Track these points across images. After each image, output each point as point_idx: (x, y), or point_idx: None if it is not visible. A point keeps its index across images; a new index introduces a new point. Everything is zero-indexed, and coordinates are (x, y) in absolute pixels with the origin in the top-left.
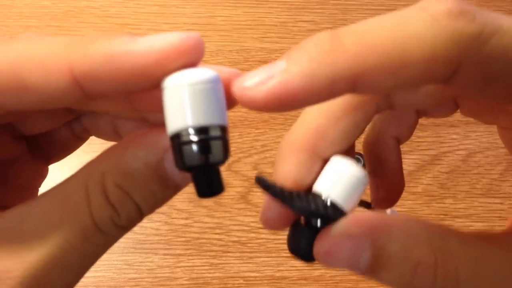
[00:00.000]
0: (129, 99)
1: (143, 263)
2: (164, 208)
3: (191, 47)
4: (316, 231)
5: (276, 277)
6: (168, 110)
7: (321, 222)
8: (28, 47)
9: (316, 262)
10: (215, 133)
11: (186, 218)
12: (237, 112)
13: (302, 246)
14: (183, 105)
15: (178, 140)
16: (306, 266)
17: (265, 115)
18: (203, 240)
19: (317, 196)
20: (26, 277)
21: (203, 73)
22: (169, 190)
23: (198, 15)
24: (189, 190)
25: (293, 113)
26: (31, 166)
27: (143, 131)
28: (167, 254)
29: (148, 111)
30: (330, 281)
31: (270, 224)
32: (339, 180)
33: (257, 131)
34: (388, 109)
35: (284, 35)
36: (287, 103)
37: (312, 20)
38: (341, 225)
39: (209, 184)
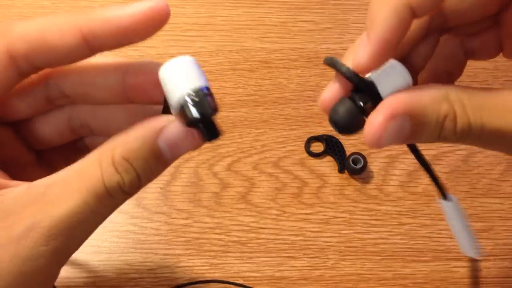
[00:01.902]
0: (126, 93)
1: (143, 263)
2: (164, 208)
3: (160, 9)
4: (355, 105)
5: (276, 277)
6: (169, 88)
7: (360, 98)
8: (49, 18)
9: (344, 134)
10: (207, 91)
11: (186, 218)
12: (237, 112)
13: (341, 113)
14: (178, 79)
15: (185, 103)
16: (306, 266)
17: (265, 115)
18: (203, 240)
19: (366, 78)
20: (53, 227)
21: (183, 57)
22: (161, 164)
23: (198, 15)
24: (189, 190)
25: (293, 113)
26: (37, 172)
27: (142, 121)
28: (167, 254)
29: (141, 102)
30: (330, 281)
31: (325, 103)
32: (388, 73)
33: (257, 131)
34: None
35: (284, 35)
36: None
37: (312, 20)
38: (385, 106)
39: (214, 129)
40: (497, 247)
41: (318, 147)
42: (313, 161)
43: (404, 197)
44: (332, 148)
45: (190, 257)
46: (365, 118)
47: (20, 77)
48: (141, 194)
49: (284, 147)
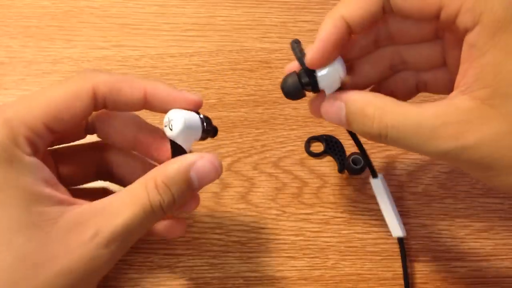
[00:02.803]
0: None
1: (143, 263)
2: None
3: (199, 101)
4: (299, 80)
5: (276, 277)
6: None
7: (303, 76)
8: (125, 76)
9: (289, 99)
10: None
11: (186, 218)
12: (237, 112)
13: (287, 83)
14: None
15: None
16: (306, 266)
17: (265, 115)
18: (203, 240)
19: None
20: (112, 234)
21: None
22: (190, 190)
23: (198, 15)
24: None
25: (293, 113)
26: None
27: (181, 156)
28: (167, 254)
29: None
30: (330, 281)
31: (286, 72)
32: (328, 70)
33: (257, 131)
34: (385, 39)
35: (284, 35)
36: None
37: (312, 20)
38: (332, 95)
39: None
40: (497, 247)
41: (318, 147)
42: (313, 161)
43: (404, 197)
44: (332, 148)
45: (190, 257)
46: (304, 91)
47: (91, 112)
48: None
49: (284, 147)
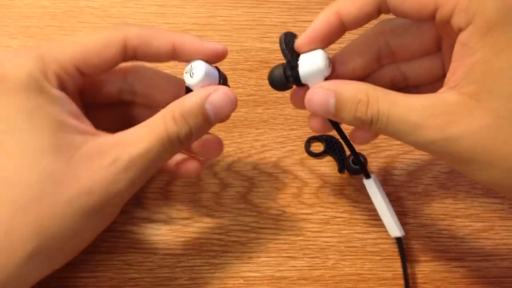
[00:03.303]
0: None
1: (143, 263)
2: (164, 208)
3: (224, 51)
4: (284, 72)
5: (276, 277)
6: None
7: (288, 69)
8: (155, 28)
9: (275, 90)
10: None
11: (186, 218)
12: (237, 112)
13: (273, 74)
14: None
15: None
16: (306, 266)
17: (265, 115)
18: (203, 240)
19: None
20: (130, 161)
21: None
22: (207, 123)
23: (198, 15)
24: (189, 190)
25: (293, 113)
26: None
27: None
28: (167, 254)
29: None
30: (330, 281)
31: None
32: (310, 54)
33: (257, 131)
34: (388, 55)
35: None
36: None
37: (312, 20)
38: (319, 83)
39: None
40: (497, 247)
41: (318, 147)
42: (313, 161)
43: (404, 197)
44: (332, 148)
45: (190, 257)
46: (289, 84)
47: (121, 61)
48: (141, 194)
49: (284, 147)
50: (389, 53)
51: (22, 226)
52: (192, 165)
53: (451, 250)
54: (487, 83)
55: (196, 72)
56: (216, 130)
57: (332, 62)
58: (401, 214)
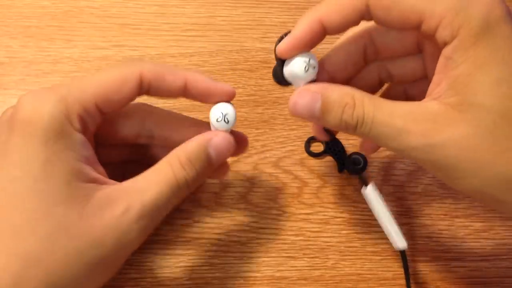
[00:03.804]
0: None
1: (143, 263)
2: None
3: (231, 92)
4: (279, 68)
5: (276, 277)
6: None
7: (279, 65)
8: (167, 66)
9: (281, 86)
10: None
11: (186, 218)
12: (237, 112)
13: (273, 71)
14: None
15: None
16: (306, 266)
17: (265, 115)
18: (203, 240)
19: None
20: (142, 209)
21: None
22: (210, 165)
23: (198, 15)
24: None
25: None
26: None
27: (197, 135)
28: (167, 254)
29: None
30: (330, 281)
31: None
32: (291, 63)
33: (257, 131)
34: (373, 53)
35: None
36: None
37: None
38: (304, 86)
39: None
40: (497, 247)
41: (318, 147)
42: (313, 161)
43: (404, 197)
44: (332, 148)
45: (190, 257)
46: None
47: (136, 96)
48: None
49: (284, 147)
50: (374, 50)
51: (33, 278)
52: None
53: (451, 250)
54: (469, 95)
55: (230, 118)
56: None
57: (322, 62)
58: (401, 214)
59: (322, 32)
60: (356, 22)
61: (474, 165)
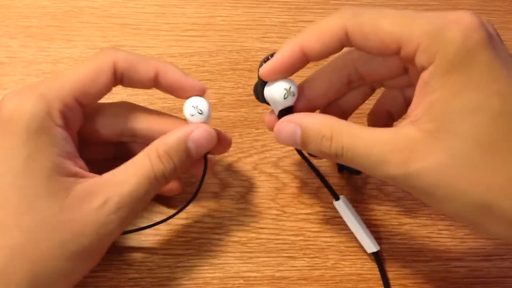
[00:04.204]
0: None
1: (143, 263)
2: (164, 208)
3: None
4: (260, 86)
5: (276, 277)
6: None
7: (261, 85)
8: (137, 55)
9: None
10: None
11: (186, 218)
12: (237, 112)
13: (255, 88)
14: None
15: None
16: (306, 266)
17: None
18: (203, 240)
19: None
20: (120, 201)
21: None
22: (189, 158)
23: (198, 15)
24: (189, 190)
25: None
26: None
27: (177, 128)
28: (167, 254)
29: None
30: (330, 281)
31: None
32: (270, 87)
33: (257, 131)
34: (358, 80)
35: (284, 35)
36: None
37: (312, 20)
38: (286, 117)
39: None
40: (497, 247)
41: None
42: (313, 161)
43: (404, 197)
44: None
45: (190, 257)
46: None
47: (112, 86)
48: None
49: (284, 147)
50: (359, 78)
51: (18, 270)
52: (177, 187)
53: (451, 250)
54: (445, 123)
55: (204, 110)
56: None
57: (301, 88)
58: (401, 214)
59: (304, 59)
60: (337, 49)
61: (451, 192)
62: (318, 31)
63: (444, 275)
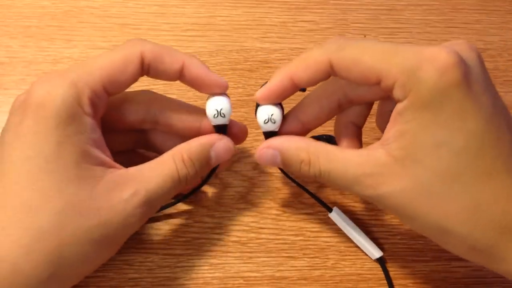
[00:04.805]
0: (200, 132)
1: (143, 263)
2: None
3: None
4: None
5: (276, 277)
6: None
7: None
8: (164, 46)
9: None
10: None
11: (186, 218)
12: (237, 112)
13: (256, 108)
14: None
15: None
16: (306, 266)
17: None
18: (203, 240)
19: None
20: (147, 196)
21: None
22: (208, 166)
23: (198, 15)
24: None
25: None
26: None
27: (201, 136)
28: (167, 254)
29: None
30: (330, 281)
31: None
32: (259, 110)
33: (257, 131)
34: (347, 103)
35: (284, 35)
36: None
37: (312, 20)
38: (266, 141)
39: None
40: None
41: None
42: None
43: None
44: None
45: (190, 257)
46: None
47: (139, 76)
48: None
49: None
50: (348, 101)
51: (42, 251)
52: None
53: None
54: (413, 153)
55: (226, 113)
56: None
57: (296, 112)
58: None
59: (293, 87)
60: (324, 79)
61: (413, 214)
62: (305, 64)
63: (444, 275)
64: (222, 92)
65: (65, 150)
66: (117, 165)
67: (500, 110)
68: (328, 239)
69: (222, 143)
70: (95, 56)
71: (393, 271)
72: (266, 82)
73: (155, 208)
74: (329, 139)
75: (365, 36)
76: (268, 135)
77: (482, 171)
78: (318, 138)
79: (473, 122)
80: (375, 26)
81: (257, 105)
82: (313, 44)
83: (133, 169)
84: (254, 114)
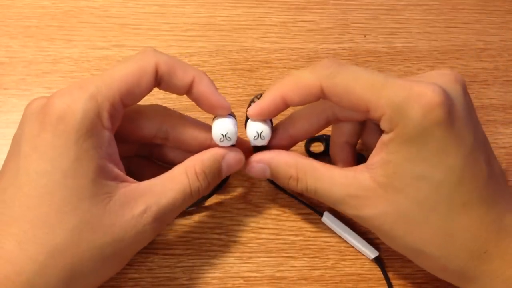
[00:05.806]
0: (208, 145)
1: (143, 263)
2: None
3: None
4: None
5: (276, 277)
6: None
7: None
8: (177, 59)
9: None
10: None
11: (186, 218)
12: (237, 112)
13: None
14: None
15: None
16: (306, 266)
17: None
18: (203, 240)
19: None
20: (158, 212)
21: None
22: (220, 177)
23: (198, 15)
24: None
25: None
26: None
27: (211, 149)
28: (167, 254)
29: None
30: (330, 281)
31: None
32: (250, 126)
33: None
34: (336, 120)
35: (284, 35)
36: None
37: (312, 20)
38: (256, 155)
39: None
40: None
41: (318, 147)
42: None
43: None
44: None
45: (190, 257)
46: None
47: (151, 89)
48: None
49: None
50: (336, 119)
51: (56, 268)
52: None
53: None
54: (395, 181)
55: (231, 136)
56: None
57: (286, 127)
58: None
59: (285, 105)
60: (315, 100)
61: (392, 235)
62: (297, 86)
63: None
64: (224, 113)
65: (83, 165)
66: (129, 178)
67: (479, 144)
68: (328, 239)
69: (233, 154)
70: (111, 67)
71: (392, 271)
72: (257, 95)
73: (166, 222)
74: (329, 139)
75: (365, 36)
76: (258, 148)
77: (458, 202)
78: (318, 138)
79: (453, 158)
80: (375, 26)
81: (247, 118)
82: (313, 44)
83: (145, 184)
84: (244, 126)
